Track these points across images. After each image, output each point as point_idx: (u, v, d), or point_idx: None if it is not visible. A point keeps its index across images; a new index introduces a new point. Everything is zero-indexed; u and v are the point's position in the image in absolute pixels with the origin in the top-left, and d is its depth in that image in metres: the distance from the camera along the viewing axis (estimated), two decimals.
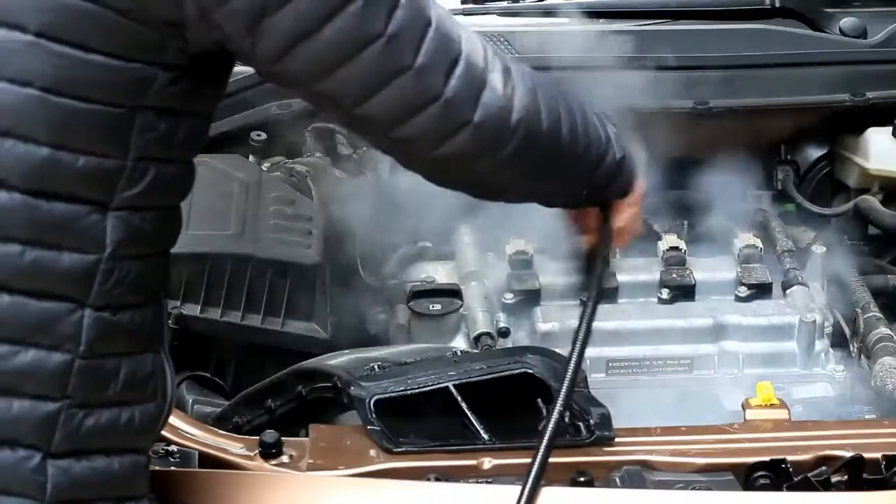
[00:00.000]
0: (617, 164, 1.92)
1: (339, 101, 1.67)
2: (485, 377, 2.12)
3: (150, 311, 1.71)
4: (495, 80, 1.72)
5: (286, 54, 1.61)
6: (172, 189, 1.71)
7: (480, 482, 1.98)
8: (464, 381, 2.10)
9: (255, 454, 2.02)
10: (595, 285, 2.01)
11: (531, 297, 2.61)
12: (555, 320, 2.55)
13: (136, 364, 1.70)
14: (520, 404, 2.15)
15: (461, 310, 2.62)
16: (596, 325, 2.50)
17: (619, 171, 1.93)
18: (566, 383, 1.93)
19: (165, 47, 1.61)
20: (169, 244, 1.75)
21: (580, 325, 1.98)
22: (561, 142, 1.82)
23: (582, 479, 1.98)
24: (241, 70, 2.91)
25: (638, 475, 2.00)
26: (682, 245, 2.71)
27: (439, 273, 2.74)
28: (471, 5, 3.13)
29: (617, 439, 2.07)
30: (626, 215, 2.00)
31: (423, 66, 1.65)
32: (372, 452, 2.01)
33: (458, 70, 1.68)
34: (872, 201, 2.95)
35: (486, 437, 2.05)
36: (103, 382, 1.67)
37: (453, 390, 2.09)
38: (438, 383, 2.10)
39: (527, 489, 1.86)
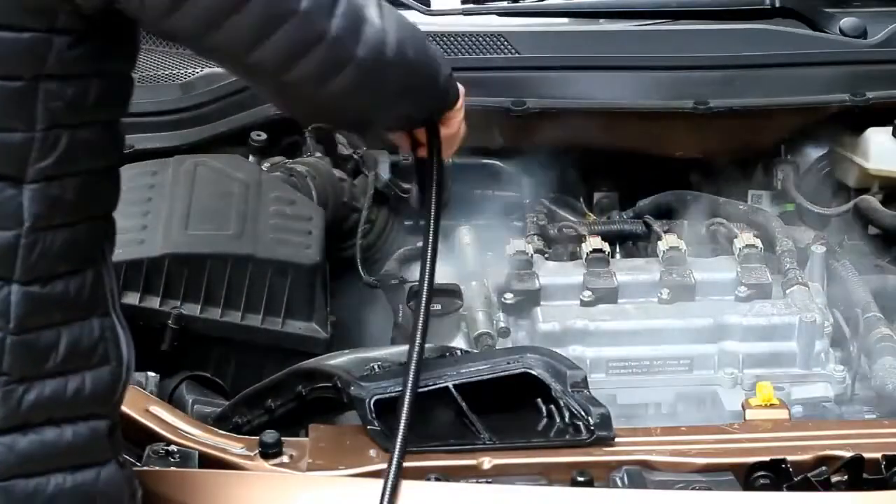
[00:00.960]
0: (449, 78, 2.00)
1: (231, 51, 1.70)
2: (485, 377, 2.12)
3: (90, 276, 1.71)
4: (372, 14, 1.77)
5: (175, 11, 1.62)
6: (93, 153, 1.70)
7: (480, 482, 1.98)
8: (464, 381, 2.10)
9: (255, 454, 2.02)
10: (433, 194, 2.07)
11: (531, 297, 2.61)
12: (555, 320, 2.54)
13: (79, 331, 1.70)
14: (520, 404, 2.15)
15: (461, 310, 2.62)
16: (596, 325, 2.54)
17: (451, 83, 2.02)
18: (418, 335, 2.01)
19: (56, 12, 1.60)
20: (103, 209, 1.74)
21: (425, 247, 2.04)
22: (420, 67, 1.90)
23: (582, 479, 1.98)
24: None
25: (638, 475, 2.00)
26: (682, 245, 2.71)
27: (439, 273, 2.73)
28: (471, 5, 3.13)
29: (617, 439, 2.07)
30: (456, 121, 2.08)
31: (308, 10, 1.68)
32: (372, 452, 2.01)
33: (341, 8, 1.72)
34: (872, 201, 2.95)
35: (486, 437, 2.05)
36: (42, 355, 1.67)
37: (453, 390, 2.09)
38: (438, 383, 2.10)
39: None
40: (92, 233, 1.71)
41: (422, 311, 2.03)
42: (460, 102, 2.06)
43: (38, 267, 1.65)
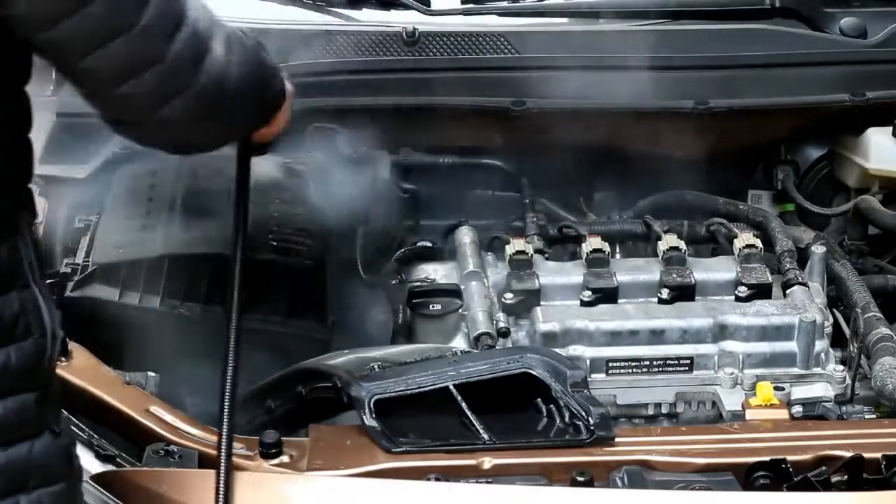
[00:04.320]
0: (281, 90, 2.02)
1: (64, 52, 1.70)
2: (485, 377, 2.12)
3: (5, 251, 1.73)
4: (217, 47, 1.78)
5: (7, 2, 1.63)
6: (10, 126, 1.73)
7: (480, 482, 1.98)
8: (464, 381, 2.11)
9: (255, 454, 2.03)
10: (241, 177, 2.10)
11: (531, 297, 2.61)
12: (555, 320, 2.55)
13: None
14: (520, 404, 2.16)
15: (461, 310, 2.62)
16: (596, 325, 2.54)
17: (282, 94, 2.03)
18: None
19: None
20: (19, 184, 1.77)
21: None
22: (260, 95, 1.94)
23: (582, 479, 1.98)
24: None
25: (638, 475, 2.00)
26: (682, 245, 2.71)
27: (439, 273, 2.74)
28: (471, 5, 3.13)
29: (617, 439, 2.07)
30: (281, 122, 2.07)
31: (147, 25, 1.68)
32: (372, 452, 2.01)
33: (183, 34, 1.73)
34: (872, 201, 2.95)
35: (486, 437, 2.05)
36: None
37: (453, 390, 2.09)
38: (438, 383, 2.10)
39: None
40: (5, 206, 1.74)
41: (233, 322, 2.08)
42: (286, 104, 2.08)
43: None
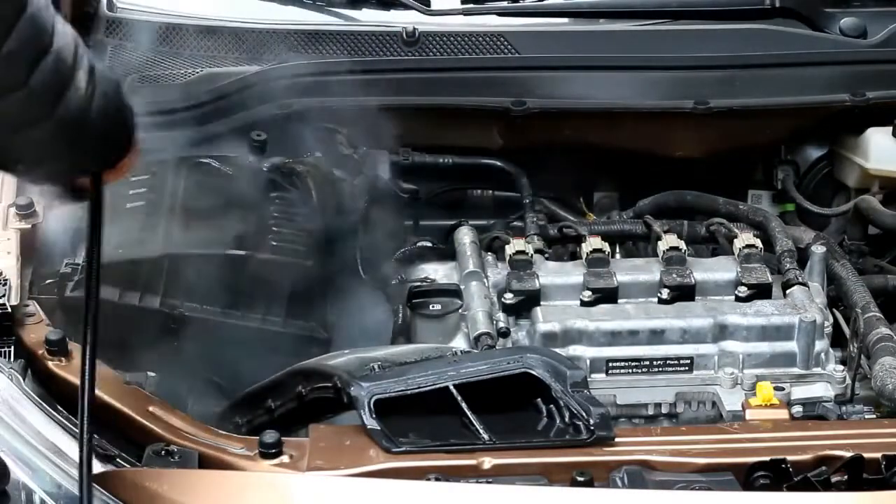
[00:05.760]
0: (133, 135, 2.00)
1: None
2: (485, 377, 2.12)
3: None
4: (80, 79, 1.78)
5: None
6: None
7: (480, 482, 1.98)
8: (464, 381, 2.11)
9: (255, 454, 2.02)
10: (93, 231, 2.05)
11: (531, 297, 2.61)
12: (555, 320, 2.55)
13: None
14: (520, 404, 2.16)
15: (461, 310, 2.62)
16: (596, 325, 2.54)
17: (136, 138, 2.01)
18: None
19: None
20: None
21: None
22: (115, 133, 1.92)
23: (582, 479, 1.98)
24: (241, 70, 2.95)
25: (638, 475, 2.00)
26: (682, 245, 2.71)
27: (439, 273, 2.74)
28: (471, 5, 3.13)
29: (617, 439, 2.07)
30: (128, 166, 2.04)
31: (10, 51, 1.68)
32: (372, 452, 2.01)
33: (46, 63, 1.72)
34: (872, 201, 2.95)
35: (486, 437, 2.05)
36: None
37: (453, 390, 2.09)
38: (438, 383, 2.10)
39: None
40: None
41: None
42: (136, 150, 2.06)
43: None
